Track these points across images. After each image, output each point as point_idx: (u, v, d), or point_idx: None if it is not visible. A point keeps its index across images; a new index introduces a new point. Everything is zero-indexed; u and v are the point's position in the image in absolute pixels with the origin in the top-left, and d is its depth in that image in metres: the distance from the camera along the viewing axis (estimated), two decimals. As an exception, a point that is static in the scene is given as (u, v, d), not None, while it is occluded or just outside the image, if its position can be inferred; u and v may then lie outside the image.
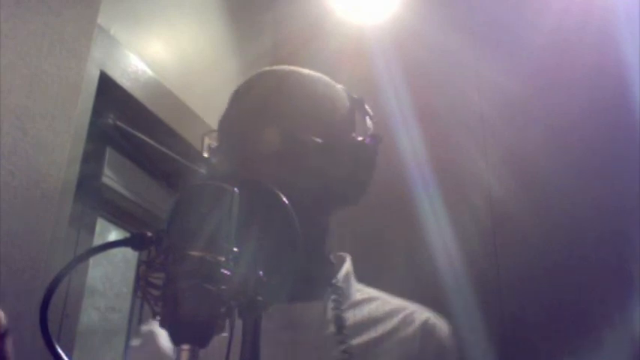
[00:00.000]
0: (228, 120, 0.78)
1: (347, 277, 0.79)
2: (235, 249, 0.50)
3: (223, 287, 0.47)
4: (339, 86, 0.81)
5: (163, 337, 0.76)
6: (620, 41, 1.71)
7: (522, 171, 1.73)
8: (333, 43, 2.07)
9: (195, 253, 0.47)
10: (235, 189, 0.52)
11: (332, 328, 0.73)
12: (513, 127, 1.80)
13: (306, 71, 0.79)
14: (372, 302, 0.79)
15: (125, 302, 1.61)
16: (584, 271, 1.58)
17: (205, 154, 0.77)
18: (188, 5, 1.83)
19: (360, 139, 0.76)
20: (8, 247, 1.00)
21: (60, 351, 0.50)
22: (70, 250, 1.30)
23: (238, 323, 0.50)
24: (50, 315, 0.50)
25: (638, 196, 1.57)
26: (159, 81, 1.56)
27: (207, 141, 0.77)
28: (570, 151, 1.70)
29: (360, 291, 0.80)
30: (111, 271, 1.57)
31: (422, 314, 0.79)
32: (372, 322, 0.76)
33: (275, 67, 0.81)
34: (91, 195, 1.41)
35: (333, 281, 0.76)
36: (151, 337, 0.77)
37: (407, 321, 0.77)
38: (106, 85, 1.33)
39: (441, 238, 1.71)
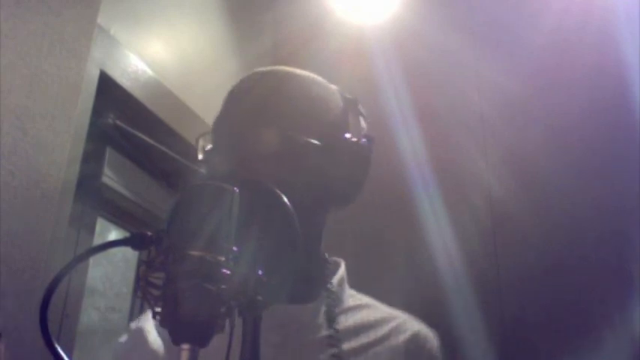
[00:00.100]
0: (225, 121, 0.78)
1: (341, 282, 0.80)
2: (235, 249, 0.50)
3: (223, 287, 0.47)
4: (333, 86, 0.81)
5: (153, 335, 0.76)
6: (620, 41, 1.71)
7: (522, 171, 1.73)
8: (333, 43, 2.07)
9: (195, 253, 0.47)
10: (235, 189, 0.52)
11: (323, 332, 0.73)
12: (513, 127, 1.80)
13: (299, 72, 0.80)
14: (364, 309, 0.79)
15: (125, 302, 1.61)
16: (584, 271, 1.58)
17: (200, 156, 0.77)
18: (188, 5, 1.83)
19: (354, 139, 0.76)
20: (8, 247, 1.00)
21: (60, 351, 0.50)
22: (70, 250, 1.30)
23: (238, 323, 0.50)
24: (50, 315, 0.50)
25: (638, 196, 1.57)
26: (159, 81, 1.56)
27: (201, 143, 0.77)
28: (570, 151, 1.70)
29: (353, 297, 0.81)
30: (111, 271, 1.57)
31: (413, 325, 0.79)
32: (364, 328, 0.76)
33: (269, 68, 0.81)
34: (91, 195, 1.41)
35: (328, 285, 0.76)
36: (140, 333, 0.77)
37: (399, 330, 0.77)
38: (106, 85, 1.33)
39: (441, 238, 1.71)
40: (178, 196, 0.52)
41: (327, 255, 0.80)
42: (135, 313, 1.60)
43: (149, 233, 0.51)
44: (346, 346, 0.73)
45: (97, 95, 1.29)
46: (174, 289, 0.46)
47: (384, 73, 1.92)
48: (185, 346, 0.45)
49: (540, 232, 1.66)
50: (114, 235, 1.60)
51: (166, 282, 0.47)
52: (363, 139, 0.77)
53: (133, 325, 0.80)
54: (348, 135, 0.76)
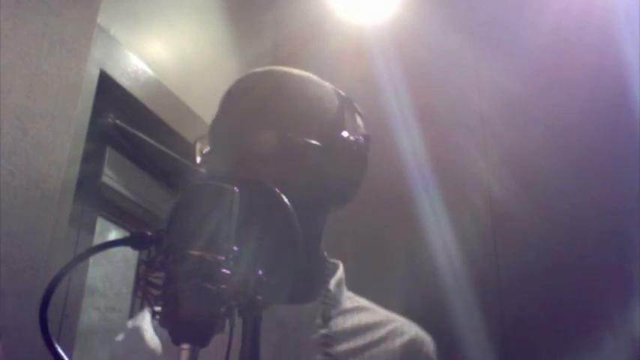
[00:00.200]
0: (223, 122, 0.78)
1: (339, 283, 0.80)
2: (235, 249, 0.50)
3: (223, 287, 0.47)
4: (328, 85, 0.81)
5: (150, 333, 0.75)
6: (620, 41, 1.71)
7: (522, 171, 1.73)
8: (333, 43, 2.07)
9: (195, 253, 0.47)
10: (235, 189, 0.52)
11: (319, 333, 0.73)
12: (513, 127, 1.80)
13: (295, 71, 0.80)
14: (362, 311, 0.79)
15: (125, 302, 1.61)
16: (584, 271, 1.58)
17: (198, 159, 0.77)
18: (188, 5, 1.83)
19: (352, 137, 0.76)
20: (8, 247, 1.00)
21: (60, 351, 0.50)
22: (70, 250, 1.30)
23: (238, 323, 0.50)
24: (50, 315, 0.50)
25: (638, 196, 1.57)
26: (159, 81, 1.56)
27: (199, 146, 0.77)
28: (570, 151, 1.70)
29: (351, 299, 0.81)
30: (111, 271, 1.57)
31: (410, 328, 0.79)
32: (360, 330, 0.76)
33: (265, 69, 0.81)
34: (91, 195, 1.41)
35: (327, 286, 0.76)
36: (137, 332, 0.77)
37: (396, 333, 0.77)
38: (106, 85, 1.33)
39: (441, 238, 1.71)
40: (178, 196, 0.52)
41: (326, 255, 0.80)
42: (135, 313, 1.60)
43: (149, 233, 0.51)
44: (343, 347, 0.73)
45: (97, 95, 1.29)
46: (174, 288, 0.46)
47: (384, 73, 1.92)
48: (185, 346, 0.45)
49: (540, 232, 1.66)
50: (114, 235, 1.60)
51: (166, 282, 0.47)
52: (361, 137, 0.77)
53: (130, 323, 0.80)
54: (345, 134, 0.76)
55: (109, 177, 1.46)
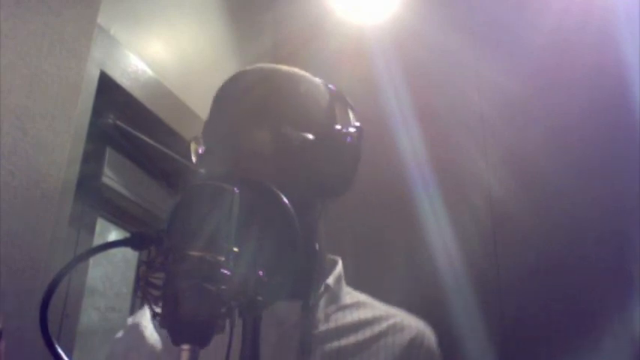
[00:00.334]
0: (216, 121, 0.78)
1: (338, 279, 0.80)
2: (235, 249, 0.50)
3: (223, 287, 0.47)
4: (318, 80, 0.82)
5: (150, 330, 0.76)
6: (620, 41, 1.71)
7: (522, 171, 1.73)
8: (333, 43, 2.07)
9: (195, 253, 0.47)
10: (235, 189, 0.52)
11: (319, 329, 0.73)
12: (513, 127, 1.80)
13: (285, 68, 0.80)
14: (361, 307, 0.79)
15: (125, 302, 1.61)
16: (584, 271, 1.58)
17: (194, 158, 0.77)
18: (188, 5, 1.83)
19: (344, 130, 0.77)
20: (8, 247, 1.00)
21: (60, 351, 0.50)
22: (70, 250, 1.30)
23: (238, 323, 0.50)
24: (50, 315, 0.50)
25: (638, 196, 1.57)
26: (159, 81, 1.56)
27: (194, 146, 0.77)
28: (570, 151, 1.70)
29: (350, 294, 0.81)
30: (111, 271, 1.57)
31: (411, 322, 0.79)
32: (360, 325, 0.76)
33: (254, 66, 0.81)
34: (91, 195, 1.41)
35: (326, 282, 0.77)
36: (136, 329, 0.77)
37: (396, 327, 0.77)
38: (106, 85, 1.33)
39: (441, 238, 1.71)
40: (178, 196, 0.52)
41: (321, 249, 0.80)
42: (135, 313, 1.60)
43: (149, 233, 0.51)
44: (343, 343, 0.73)
45: (97, 95, 1.29)
46: (174, 289, 0.46)
47: (384, 73, 1.92)
48: (185, 347, 0.45)
49: (540, 232, 1.66)
50: (114, 235, 1.60)
51: (166, 282, 0.47)
52: (353, 129, 0.78)
53: (130, 320, 0.80)
54: (338, 126, 0.77)
55: (109, 177, 1.46)
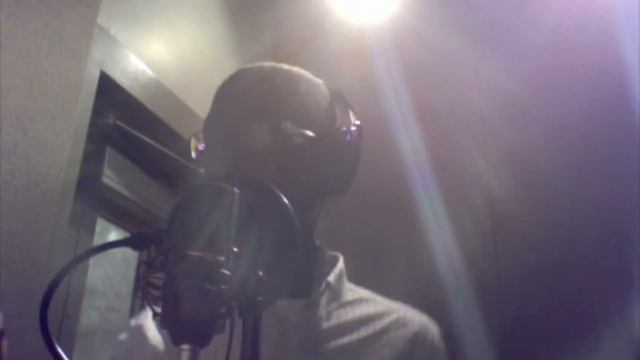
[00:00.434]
0: (217, 119, 0.78)
1: (340, 276, 0.80)
2: (235, 249, 0.50)
3: (223, 287, 0.47)
4: (318, 79, 0.82)
5: (152, 331, 0.76)
6: (620, 41, 1.71)
7: (522, 171, 1.73)
8: (333, 43, 2.07)
9: (195, 253, 0.47)
10: (235, 189, 0.52)
11: (322, 327, 0.73)
12: (513, 127, 1.80)
13: (285, 66, 0.80)
14: (364, 302, 0.79)
15: (125, 302, 1.61)
16: (584, 271, 1.58)
17: (193, 154, 0.77)
18: (188, 5, 1.83)
19: (344, 128, 0.77)
20: (8, 247, 1.00)
21: (60, 351, 0.50)
22: (70, 250, 1.30)
23: (238, 323, 0.50)
24: (50, 315, 0.50)
25: (638, 196, 1.57)
26: (159, 81, 1.56)
27: (193, 142, 0.77)
28: (570, 151, 1.70)
29: (352, 291, 0.81)
30: (111, 271, 1.57)
31: (414, 316, 0.79)
32: (363, 321, 0.76)
33: (255, 65, 0.81)
34: (91, 195, 1.41)
35: (327, 279, 0.76)
36: (139, 330, 0.77)
37: (399, 322, 0.77)
38: (106, 85, 1.33)
39: (441, 238, 1.71)
40: (178, 196, 0.52)
41: (321, 246, 0.80)
42: (135, 313, 1.60)
43: (149, 233, 0.51)
44: (346, 340, 0.73)
45: (97, 95, 1.29)
46: (174, 289, 0.46)
47: (384, 73, 1.92)
48: (185, 347, 0.45)
49: (540, 232, 1.66)
50: (114, 235, 1.60)
51: (166, 282, 0.47)
52: (353, 128, 0.78)
53: (133, 322, 0.80)
54: (338, 125, 0.77)
55: (109, 177, 1.46)
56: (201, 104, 1.68)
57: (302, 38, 2.13)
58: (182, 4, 1.79)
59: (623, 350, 1.47)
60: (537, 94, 1.79)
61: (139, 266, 1.63)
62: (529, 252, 1.66)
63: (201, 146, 0.77)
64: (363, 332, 0.75)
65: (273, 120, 0.73)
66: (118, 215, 1.57)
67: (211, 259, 0.47)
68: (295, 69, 0.80)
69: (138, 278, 1.52)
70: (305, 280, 0.75)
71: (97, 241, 1.46)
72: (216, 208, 0.50)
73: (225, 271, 0.48)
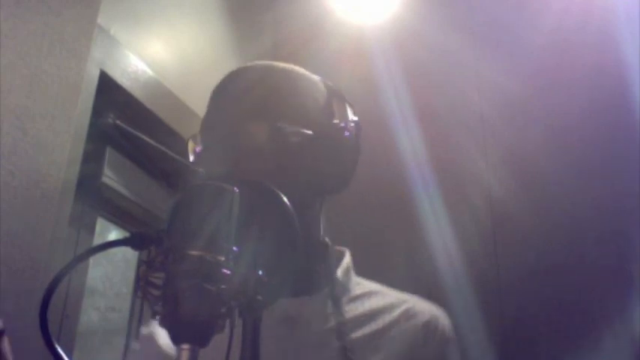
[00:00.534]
0: (214, 119, 0.78)
1: (347, 271, 0.80)
2: (235, 249, 0.50)
3: (223, 287, 0.47)
4: (315, 76, 0.82)
5: (163, 337, 0.76)
6: (620, 41, 1.71)
7: (522, 171, 1.73)
8: (333, 43, 2.07)
9: (194, 253, 0.47)
10: (235, 189, 0.52)
11: (332, 322, 0.73)
12: (513, 127, 1.80)
13: (281, 64, 0.80)
14: (372, 296, 0.79)
15: (125, 302, 1.61)
16: (584, 271, 1.58)
17: (191, 157, 0.77)
18: (188, 5, 1.83)
19: (342, 124, 0.77)
20: (8, 247, 1.00)
21: (60, 351, 0.50)
22: (70, 250, 1.30)
23: (238, 323, 0.50)
24: (50, 315, 0.50)
25: (638, 196, 1.57)
26: (159, 81, 1.56)
27: (191, 145, 0.77)
28: (570, 151, 1.70)
29: (360, 284, 0.81)
30: (111, 271, 1.57)
31: (423, 307, 0.79)
32: (373, 315, 0.76)
33: (250, 64, 0.81)
34: (91, 195, 1.41)
35: (334, 275, 0.77)
36: (151, 338, 0.77)
37: (409, 313, 0.77)
38: (106, 85, 1.33)
39: (441, 238, 1.71)
40: (178, 196, 0.52)
41: (329, 242, 0.80)
42: (135, 313, 1.60)
43: (149, 233, 0.51)
44: (357, 334, 0.73)
45: (97, 95, 1.29)
46: (174, 289, 0.46)
47: (384, 73, 1.92)
48: (185, 346, 0.45)
49: (540, 232, 1.66)
50: (114, 235, 1.60)
51: (166, 282, 0.47)
52: (351, 124, 0.78)
53: (144, 330, 0.80)
54: (336, 121, 0.77)
55: (109, 177, 1.46)
56: (201, 104, 1.67)
57: (302, 38, 2.13)
58: (182, 4, 1.79)
59: (623, 350, 1.47)
60: (537, 94, 1.79)
61: (138, 266, 1.63)
62: (529, 252, 1.66)
63: (198, 149, 0.77)
64: (374, 325, 0.75)
65: (270, 120, 0.73)
66: (118, 215, 1.57)
67: (211, 259, 0.47)
68: (291, 67, 0.80)
69: (138, 278, 1.52)
70: (311, 277, 0.75)
71: (97, 241, 1.46)
72: (216, 207, 0.50)
73: (225, 271, 0.47)
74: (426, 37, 1.96)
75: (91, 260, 1.45)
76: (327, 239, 0.79)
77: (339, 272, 0.78)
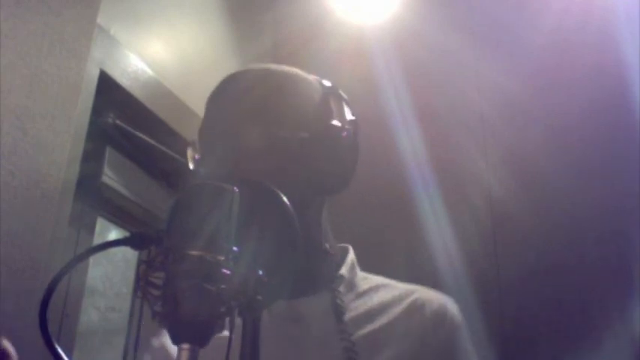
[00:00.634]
0: (211, 124, 0.78)
1: (352, 267, 0.80)
2: (235, 249, 0.50)
3: (223, 287, 0.47)
4: (312, 77, 0.82)
5: (173, 348, 0.75)
6: (620, 41, 1.71)
7: (522, 171, 1.73)
8: (333, 43, 2.07)
9: (194, 253, 0.47)
10: (235, 189, 0.52)
11: (341, 319, 0.73)
12: (513, 127, 1.80)
13: (277, 67, 0.80)
14: (379, 290, 0.79)
15: (125, 302, 1.61)
16: (584, 271, 1.58)
17: (190, 166, 0.77)
18: (188, 5, 1.83)
19: (340, 124, 0.77)
20: (8, 247, 1.00)
21: (60, 351, 0.50)
22: (70, 250, 1.30)
23: (238, 323, 0.50)
24: (50, 315, 0.50)
25: (638, 196, 1.57)
26: (159, 81, 1.56)
27: (190, 153, 0.77)
28: (570, 151, 1.70)
29: (367, 279, 0.80)
30: (111, 271, 1.57)
31: (431, 296, 0.78)
32: (381, 309, 0.76)
33: (246, 68, 0.81)
34: (91, 195, 1.41)
35: (339, 272, 0.77)
36: (164, 350, 0.76)
37: (417, 304, 0.76)
38: (106, 85, 1.33)
39: (441, 238, 1.71)
40: (178, 195, 0.52)
41: (329, 244, 0.79)
42: (135, 313, 1.60)
43: (149, 233, 0.51)
44: (367, 329, 0.73)
45: (97, 95, 1.29)
46: (174, 288, 0.46)
47: (384, 73, 1.92)
48: (185, 346, 0.45)
49: (540, 232, 1.66)
50: (114, 235, 1.60)
51: (166, 282, 0.47)
52: (349, 124, 0.78)
53: (155, 342, 0.79)
54: (334, 121, 0.77)
55: (109, 177, 1.46)
56: (201, 104, 1.67)
57: (302, 38, 2.13)
58: (182, 4, 1.79)
59: (623, 350, 1.47)
60: (537, 94, 1.79)
61: (138, 266, 1.63)
62: (529, 252, 1.66)
63: (197, 156, 0.77)
64: (384, 319, 0.74)
65: (267, 123, 0.73)
66: (118, 215, 1.57)
67: (211, 259, 0.47)
68: (286, 69, 0.80)
69: (138, 278, 1.52)
70: (316, 276, 0.75)
71: (97, 240, 1.46)
72: (216, 207, 0.50)
73: (225, 271, 0.47)
74: (426, 37, 1.96)
75: (91, 260, 1.45)
76: (328, 242, 0.79)
77: (344, 269, 0.78)
